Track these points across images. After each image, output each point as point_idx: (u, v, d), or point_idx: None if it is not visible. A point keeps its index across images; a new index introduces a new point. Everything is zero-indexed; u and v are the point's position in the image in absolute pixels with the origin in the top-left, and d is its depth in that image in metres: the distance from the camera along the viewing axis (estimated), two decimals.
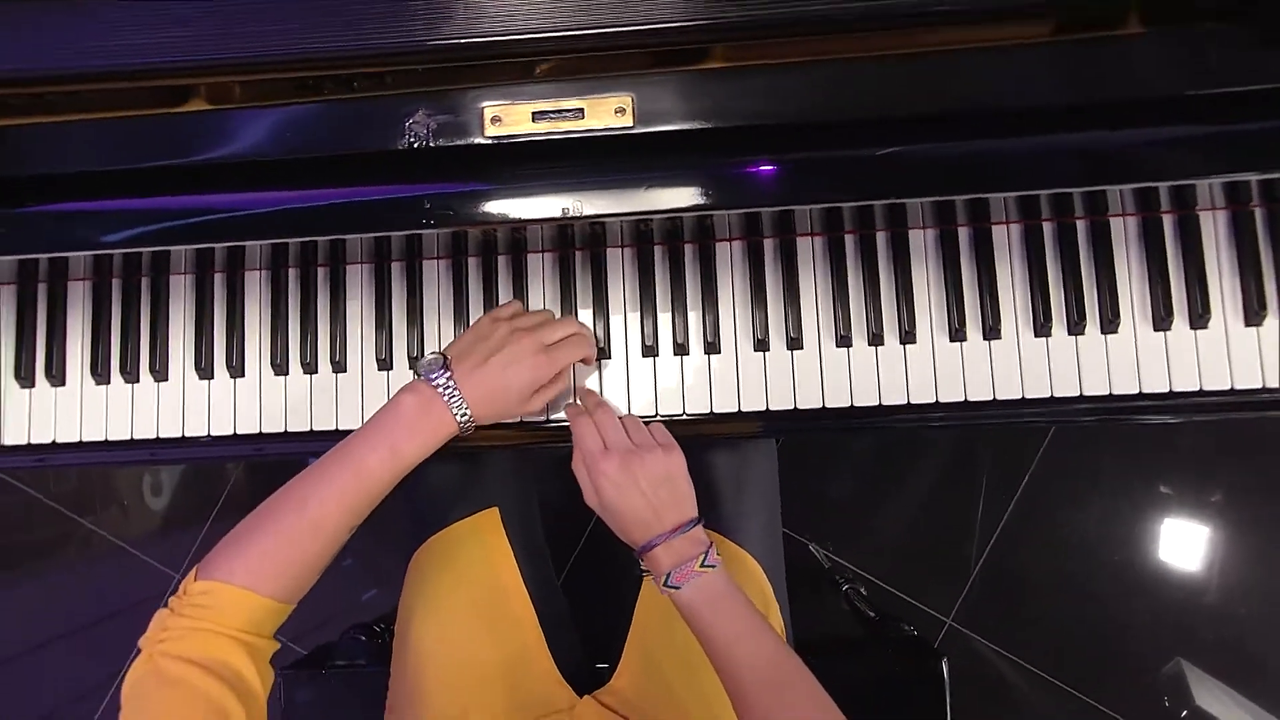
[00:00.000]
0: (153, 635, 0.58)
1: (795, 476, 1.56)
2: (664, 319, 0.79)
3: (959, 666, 0.94)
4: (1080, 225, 0.76)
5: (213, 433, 0.81)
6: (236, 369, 0.80)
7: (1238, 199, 0.74)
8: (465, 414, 0.68)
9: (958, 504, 1.54)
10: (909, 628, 1.21)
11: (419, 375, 0.70)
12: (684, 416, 0.79)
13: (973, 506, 1.53)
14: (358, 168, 0.61)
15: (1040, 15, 0.58)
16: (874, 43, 0.60)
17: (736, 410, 0.78)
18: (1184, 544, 1.49)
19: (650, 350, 0.79)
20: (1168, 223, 0.76)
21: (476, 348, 0.70)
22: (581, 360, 0.77)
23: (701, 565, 0.67)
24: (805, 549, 1.53)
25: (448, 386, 0.68)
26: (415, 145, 0.59)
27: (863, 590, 1.45)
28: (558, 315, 0.79)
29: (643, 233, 0.78)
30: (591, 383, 0.80)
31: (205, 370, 0.80)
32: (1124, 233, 0.76)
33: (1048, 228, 0.77)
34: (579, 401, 0.78)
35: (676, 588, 0.67)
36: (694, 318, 0.79)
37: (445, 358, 0.70)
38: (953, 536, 1.53)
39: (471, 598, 0.87)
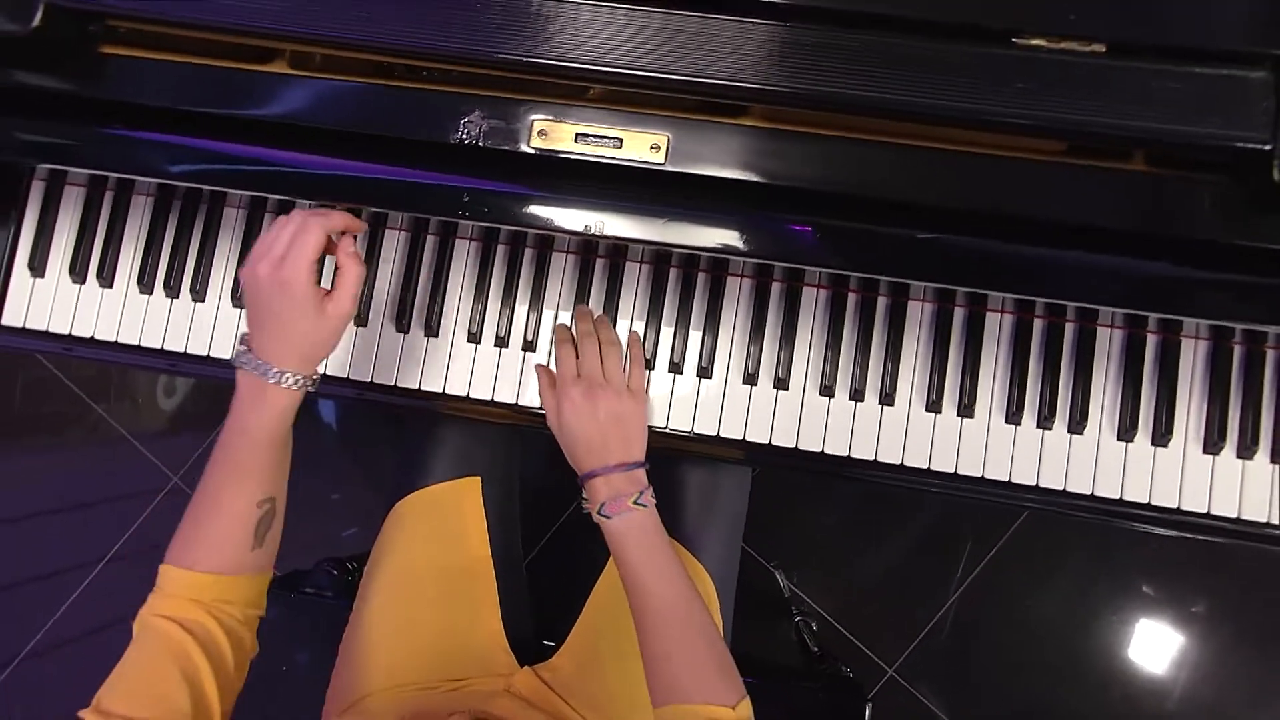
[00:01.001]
0: (147, 603, 0.68)
1: (777, 505, 1.61)
2: (666, 335, 0.84)
3: (889, 718, 0.98)
4: (1069, 328, 0.81)
5: None
6: None
7: (1221, 335, 0.78)
8: (287, 377, 0.70)
9: (926, 561, 1.58)
10: (846, 669, 1.26)
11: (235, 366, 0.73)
12: (666, 430, 0.84)
13: (940, 566, 1.57)
14: (409, 151, 0.67)
15: (1056, 136, 0.62)
16: (901, 130, 0.65)
17: (715, 435, 0.83)
18: (1144, 645, 1.52)
19: (648, 363, 0.84)
20: (1151, 342, 0.80)
21: (255, 316, 0.71)
22: (341, 230, 0.72)
23: (635, 503, 0.74)
24: (770, 574, 1.58)
25: (256, 365, 0.70)
26: (465, 142, 0.65)
27: (814, 625, 1.50)
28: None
29: (662, 255, 0.83)
30: None
31: (240, 301, 0.87)
32: (1109, 343, 0.80)
33: (1038, 324, 0.81)
34: (574, 325, 0.83)
35: (608, 517, 0.74)
36: (694, 339, 0.84)
37: (244, 339, 0.73)
38: (914, 592, 1.58)
39: (439, 555, 0.93)
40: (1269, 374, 0.77)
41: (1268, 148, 0.56)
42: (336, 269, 0.71)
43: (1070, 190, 0.63)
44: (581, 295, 0.84)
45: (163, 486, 1.78)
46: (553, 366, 0.83)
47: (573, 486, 0.79)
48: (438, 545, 0.93)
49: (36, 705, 1.75)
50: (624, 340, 0.83)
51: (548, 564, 1.53)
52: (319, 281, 0.70)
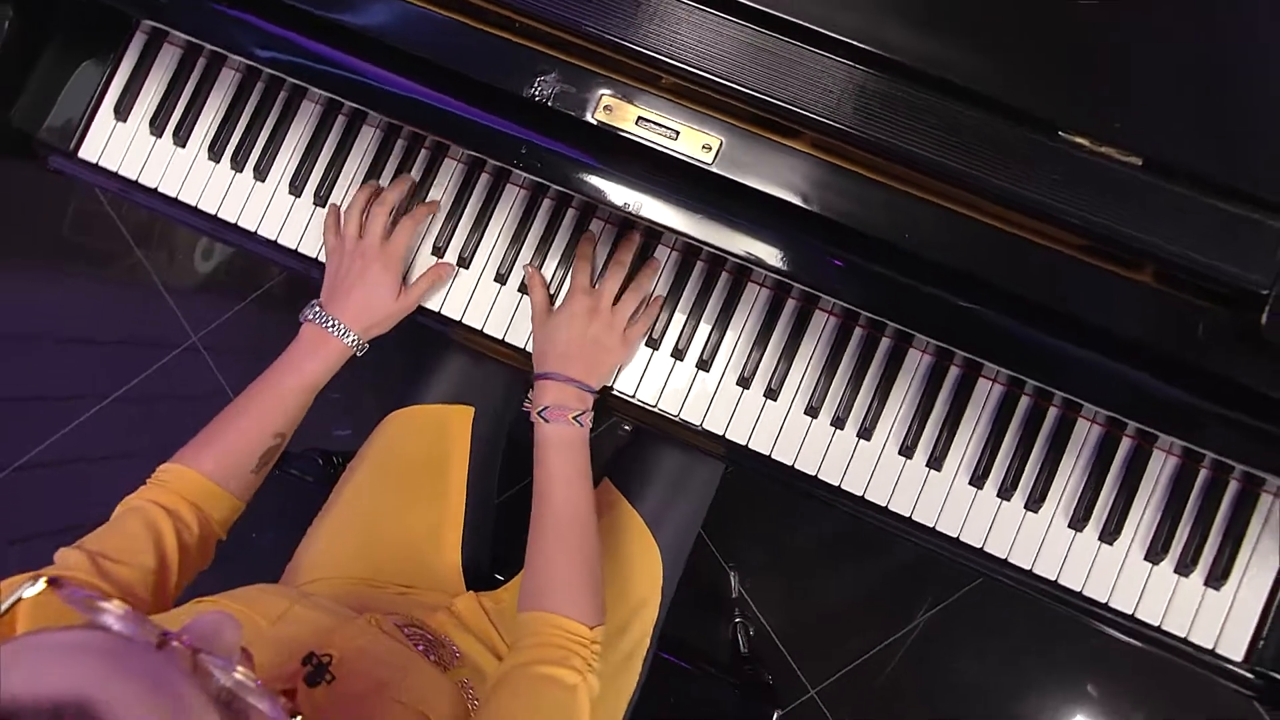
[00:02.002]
0: (138, 492, 0.77)
1: (755, 514, 1.65)
2: (678, 320, 0.88)
3: None
4: (1052, 412, 0.84)
5: (279, 240, 0.92)
6: (321, 199, 0.92)
7: (1191, 455, 0.82)
8: (350, 335, 0.84)
9: (881, 601, 1.62)
10: (768, 676, 1.31)
11: (302, 318, 0.85)
12: (654, 408, 0.89)
13: (892, 608, 1.61)
14: (482, 93, 0.71)
15: (1076, 231, 0.65)
16: (937, 189, 0.68)
17: (699, 425, 0.88)
18: None
19: (653, 343, 0.89)
20: (1125, 445, 0.83)
21: (341, 281, 0.85)
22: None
23: (574, 418, 0.80)
24: (726, 573, 1.63)
25: (327, 319, 0.84)
26: (536, 98, 0.69)
27: (751, 631, 1.55)
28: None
29: (692, 247, 0.87)
30: None
31: (297, 189, 0.92)
32: (1084, 435, 0.84)
33: (1024, 401, 0.85)
34: (617, 248, 0.88)
35: (545, 420, 0.80)
36: (702, 331, 0.88)
37: (317, 301, 0.86)
38: (859, 626, 1.62)
39: (419, 469, 0.99)
40: (1226, 503, 0.81)
41: (1264, 292, 0.60)
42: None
43: (1079, 286, 0.67)
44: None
45: (180, 342, 1.85)
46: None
47: None
48: (420, 460, 0.99)
49: (19, 516, 1.84)
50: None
51: (515, 511, 1.58)
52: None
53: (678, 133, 0.69)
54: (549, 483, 0.80)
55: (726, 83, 0.66)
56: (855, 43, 0.64)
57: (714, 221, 0.71)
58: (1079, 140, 0.62)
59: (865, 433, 0.86)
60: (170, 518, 0.74)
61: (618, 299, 0.85)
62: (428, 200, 0.90)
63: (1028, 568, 0.84)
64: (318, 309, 0.85)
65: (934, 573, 1.61)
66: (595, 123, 0.69)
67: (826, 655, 1.61)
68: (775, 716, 1.07)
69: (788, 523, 1.66)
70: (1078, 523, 0.83)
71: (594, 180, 0.72)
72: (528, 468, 0.82)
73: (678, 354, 0.88)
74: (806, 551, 1.66)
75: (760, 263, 0.72)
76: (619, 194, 0.72)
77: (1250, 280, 0.60)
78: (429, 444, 1.01)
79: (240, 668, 0.40)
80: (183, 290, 1.88)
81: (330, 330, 0.84)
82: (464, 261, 0.90)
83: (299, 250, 0.92)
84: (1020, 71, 0.64)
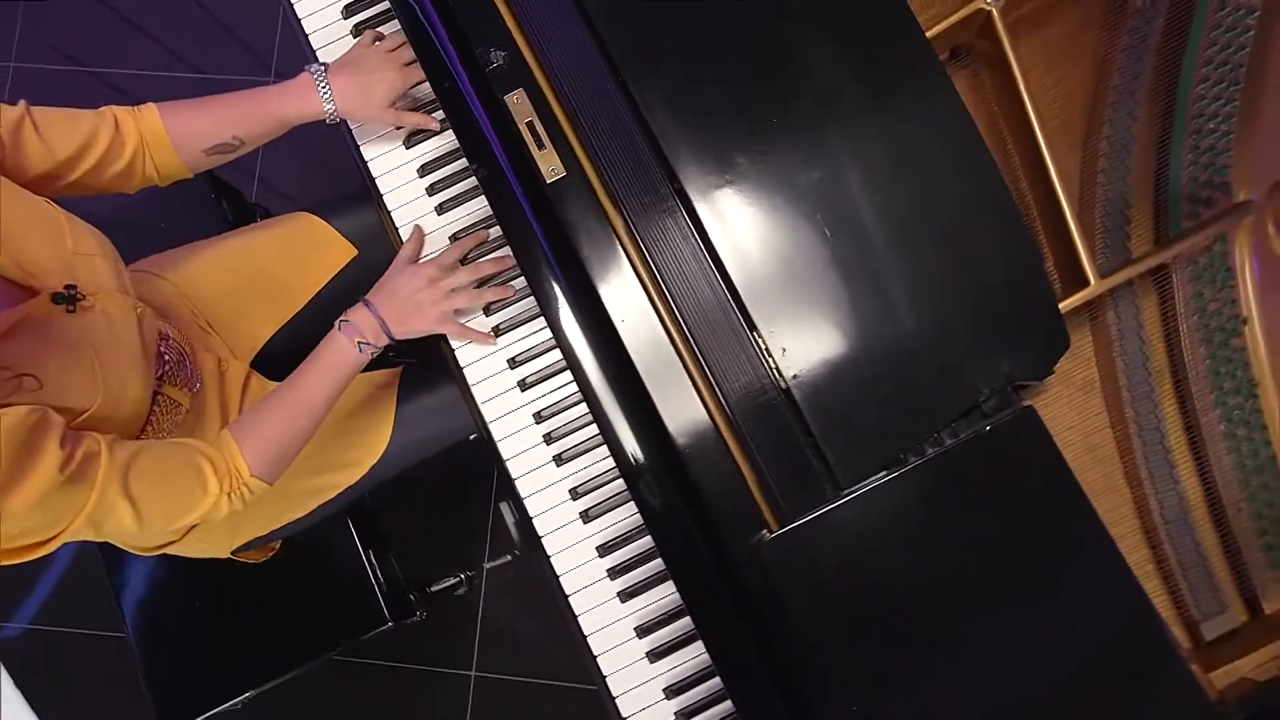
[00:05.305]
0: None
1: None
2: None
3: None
4: None
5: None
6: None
7: None
8: (330, 104, 0.97)
9: None
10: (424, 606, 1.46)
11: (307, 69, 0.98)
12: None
13: None
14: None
15: None
16: None
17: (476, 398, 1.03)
18: None
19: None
20: None
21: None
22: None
23: (360, 343, 0.95)
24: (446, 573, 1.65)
25: (321, 79, 0.97)
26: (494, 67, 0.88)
27: (462, 579, 1.68)
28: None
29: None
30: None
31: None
32: None
33: None
34: (492, 259, 1.01)
35: (339, 331, 0.95)
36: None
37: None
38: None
39: (292, 266, 1.17)
40: None
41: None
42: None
43: None
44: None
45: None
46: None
47: None
48: (296, 260, 1.16)
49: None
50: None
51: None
52: None
53: None
54: (309, 370, 0.94)
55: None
56: None
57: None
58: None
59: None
60: (115, 134, 0.90)
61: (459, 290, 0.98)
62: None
63: None
64: (321, 71, 0.98)
65: None
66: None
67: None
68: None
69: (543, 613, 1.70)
70: None
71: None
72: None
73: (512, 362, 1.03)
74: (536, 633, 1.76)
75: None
76: None
77: None
78: (314, 253, 1.18)
79: None
80: None
81: (321, 92, 0.97)
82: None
83: None
84: None
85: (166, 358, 0.94)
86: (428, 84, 1.00)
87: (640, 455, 0.88)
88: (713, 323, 0.83)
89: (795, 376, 0.80)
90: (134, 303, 0.90)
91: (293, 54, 1.98)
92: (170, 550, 1.09)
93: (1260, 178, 0.86)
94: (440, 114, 1.04)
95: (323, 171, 1.90)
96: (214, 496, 0.87)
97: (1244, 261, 0.86)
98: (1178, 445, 0.87)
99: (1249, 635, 0.82)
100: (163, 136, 0.94)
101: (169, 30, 2.00)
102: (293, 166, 1.93)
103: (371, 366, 1.08)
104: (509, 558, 1.73)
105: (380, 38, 1.04)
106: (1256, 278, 0.86)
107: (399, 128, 1.05)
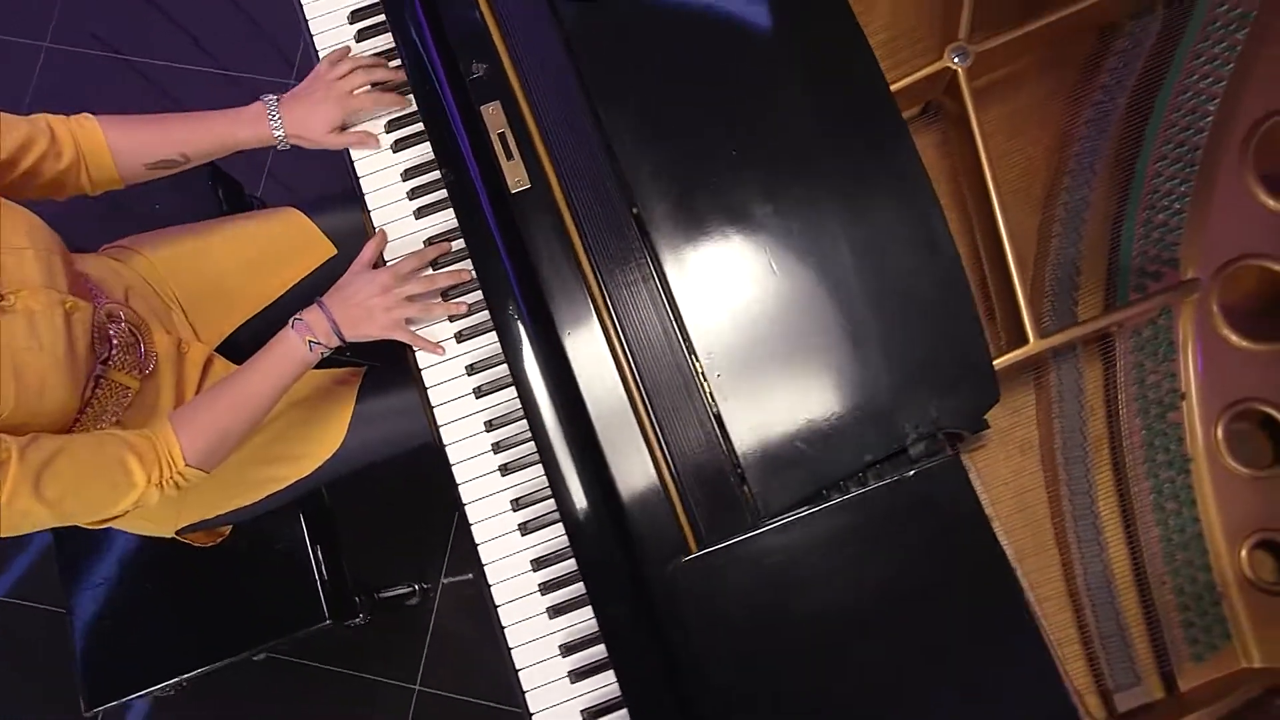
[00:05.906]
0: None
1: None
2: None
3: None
4: None
5: None
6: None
7: None
8: (318, 346, 0.98)
9: None
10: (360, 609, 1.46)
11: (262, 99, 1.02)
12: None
13: None
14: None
15: None
16: None
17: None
18: None
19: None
20: None
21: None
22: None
23: (311, 341, 0.96)
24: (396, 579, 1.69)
25: (273, 110, 1.02)
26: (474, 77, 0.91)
27: (415, 589, 1.69)
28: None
29: None
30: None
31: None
32: None
33: None
34: (448, 283, 1.02)
35: (292, 329, 0.97)
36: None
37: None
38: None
39: (271, 261, 1.20)
40: None
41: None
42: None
43: None
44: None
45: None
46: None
47: None
48: (281, 254, 1.20)
49: None
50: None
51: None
52: None
53: None
54: (258, 364, 0.97)
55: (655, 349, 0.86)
56: None
57: None
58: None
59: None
60: (52, 141, 0.93)
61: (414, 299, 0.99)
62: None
63: None
64: (274, 101, 1.04)
65: None
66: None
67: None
68: None
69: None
70: None
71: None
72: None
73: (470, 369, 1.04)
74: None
75: None
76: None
77: None
78: (294, 249, 1.21)
79: None
80: None
81: (271, 121, 1.03)
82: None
83: None
84: None
85: (115, 341, 0.95)
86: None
87: (570, 464, 0.89)
88: (655, 346, 0.84)
89: (727, 401, 0.81)
90: (62, 298, 0.89)
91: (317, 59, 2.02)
92: (114, 525, 1.09)
93: (1209, 258, 0.88)
94: (385, 132, 1.08)
95: (331, 169, 1.93)
96: (140, 489, 0.88)
97: (1187, 337, 0.87)
98: (1108, 513, 0.87)
99: (1162, 711, 0.81)
100: (102, 148, 0.97)
101: (201, 26, 2.06)
102: (303, 163, 1.97)
103: (334, 368, 1.10)
104: (470, 575, 1.73)
105: (338, 61, 1.07)
106: (1198, 354, 0.87)
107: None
